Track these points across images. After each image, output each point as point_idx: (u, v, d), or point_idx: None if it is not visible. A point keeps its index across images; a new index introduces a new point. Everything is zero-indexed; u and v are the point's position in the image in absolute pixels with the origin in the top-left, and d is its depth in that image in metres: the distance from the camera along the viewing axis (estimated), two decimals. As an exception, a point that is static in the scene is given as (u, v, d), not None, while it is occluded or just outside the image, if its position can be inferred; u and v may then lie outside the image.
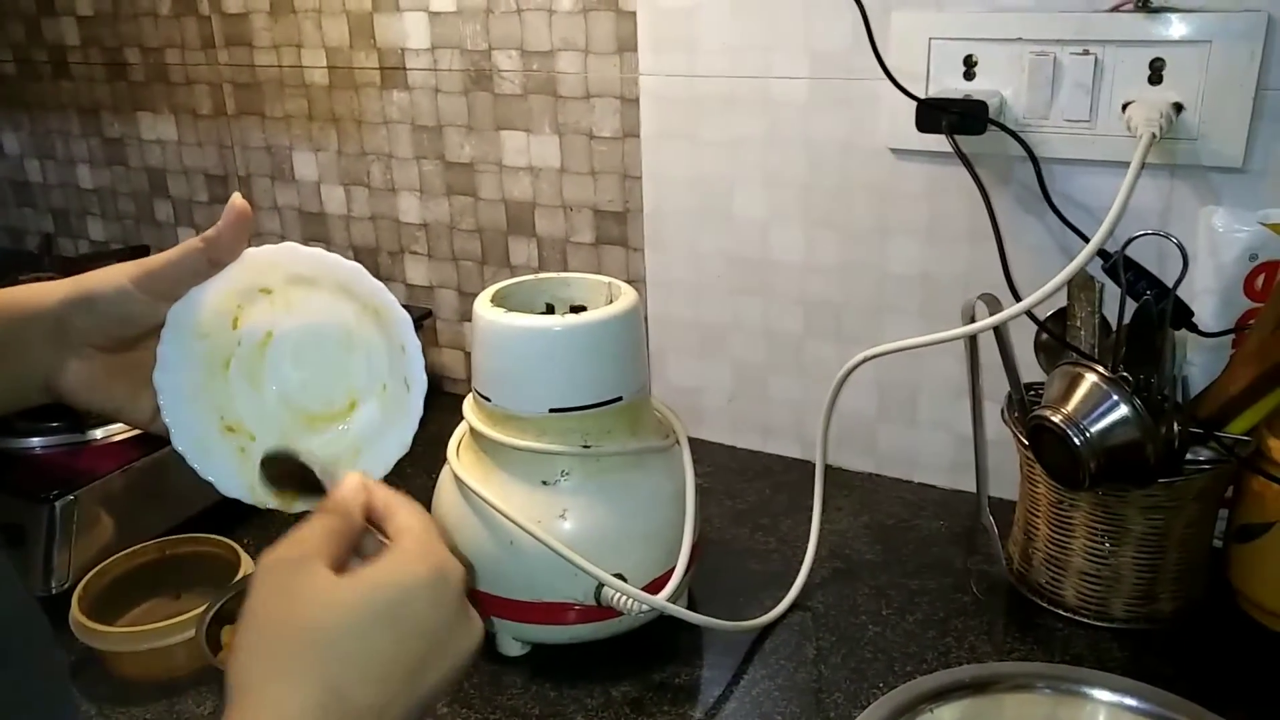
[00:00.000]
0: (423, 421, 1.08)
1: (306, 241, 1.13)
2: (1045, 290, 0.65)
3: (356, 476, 0.47)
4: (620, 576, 0.65)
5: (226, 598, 0.67)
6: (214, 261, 0.50)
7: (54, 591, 0.74)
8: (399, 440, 0.51)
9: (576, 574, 0.64)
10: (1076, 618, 0.70)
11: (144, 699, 0.66)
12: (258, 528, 0.79)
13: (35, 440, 0.80)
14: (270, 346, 0.52)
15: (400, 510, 0.46)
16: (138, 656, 0.68)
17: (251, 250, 0.51)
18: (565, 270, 1.00)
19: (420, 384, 0.51)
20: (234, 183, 1.17)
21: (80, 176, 1.30)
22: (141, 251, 1.20)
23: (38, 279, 1.08)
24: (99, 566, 0.72)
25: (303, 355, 0.52)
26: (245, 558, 0.72)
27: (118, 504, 0.78)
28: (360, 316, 0.52)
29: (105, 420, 0.81)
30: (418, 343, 0.51)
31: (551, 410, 0.66)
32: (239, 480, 0.50)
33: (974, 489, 0.79)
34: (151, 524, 0.78)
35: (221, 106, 1.15)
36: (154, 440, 0.77)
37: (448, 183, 1.03)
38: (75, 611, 0.68)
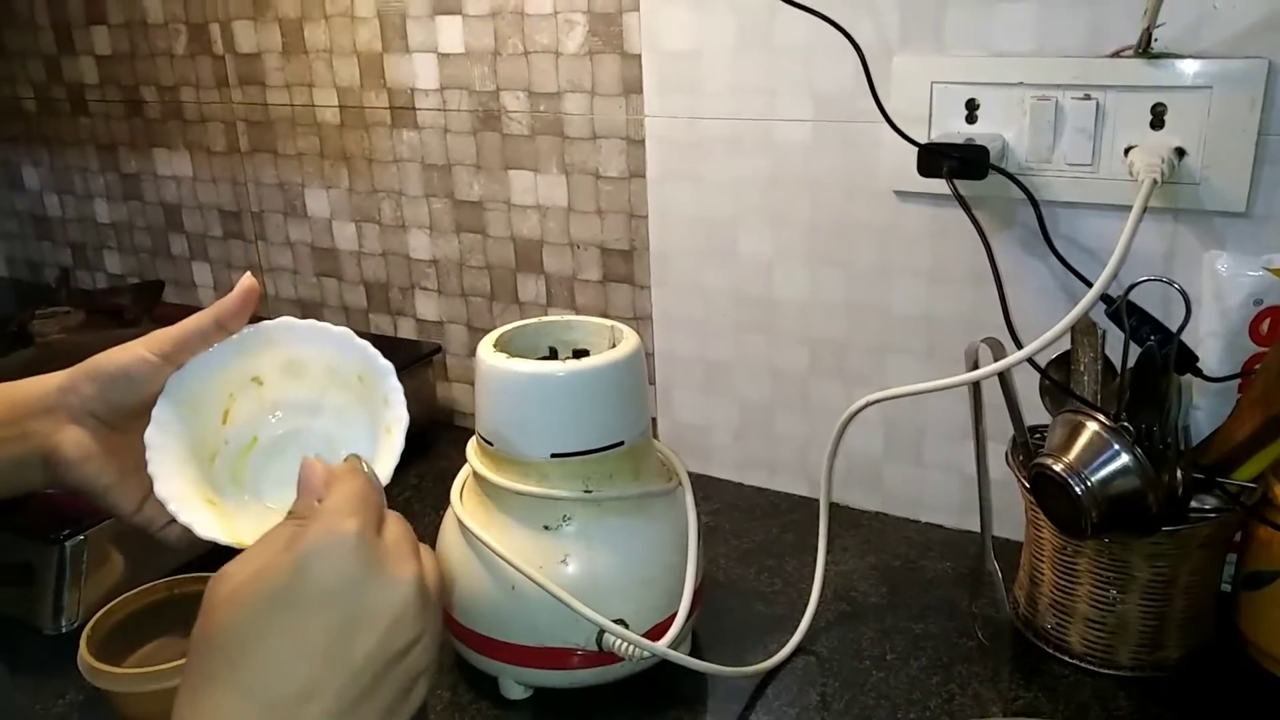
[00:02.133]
0: (432, 457, 1.09)
1: (319, 277, 1.15)
2: (1047, 337, 0.65)
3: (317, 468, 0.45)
4: (622, 622, 0.65)
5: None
6: (221, 326, 0.53)
7: (63, 630, 0.74)
8: (384, 474, 0.51)
9: (578, 619, 0.64)
10: (1083, 665, 0.70)
11: (149, 741, 0.67)
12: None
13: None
14: (255, 450, 0.55)
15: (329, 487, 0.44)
16: (145, 697, 0.68)
17: (249, 328, 0.54)
18: (573, 306, 1.00)
19: (401, 426, 0.51)
20: (247, 219, 1.19)
21: (98, 211, 1.32)
22: (156, 286, 1.21)
23: (54, 315, 1.10)
24: (108, 606, 0.72)
25: (285, 460, 0.54)
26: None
27: (127, 543, 0.78)
28: (344, 402, 0.55)
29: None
30: (399, 389, 0.52)
31: (553, 455, 0.66)
32: (219, 529, 0.50)
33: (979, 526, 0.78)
34: (161, 563, 0.78)
35: (235, 144, 1.16)
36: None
37: (457, 220, 1.04)
38: (84, 652, 0.68)
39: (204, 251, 1.24)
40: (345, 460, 0.47)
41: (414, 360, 1.05)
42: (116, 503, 0.54)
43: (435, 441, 1.05)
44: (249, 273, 0.54)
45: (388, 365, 0.54)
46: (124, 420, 0.53)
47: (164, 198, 1.25)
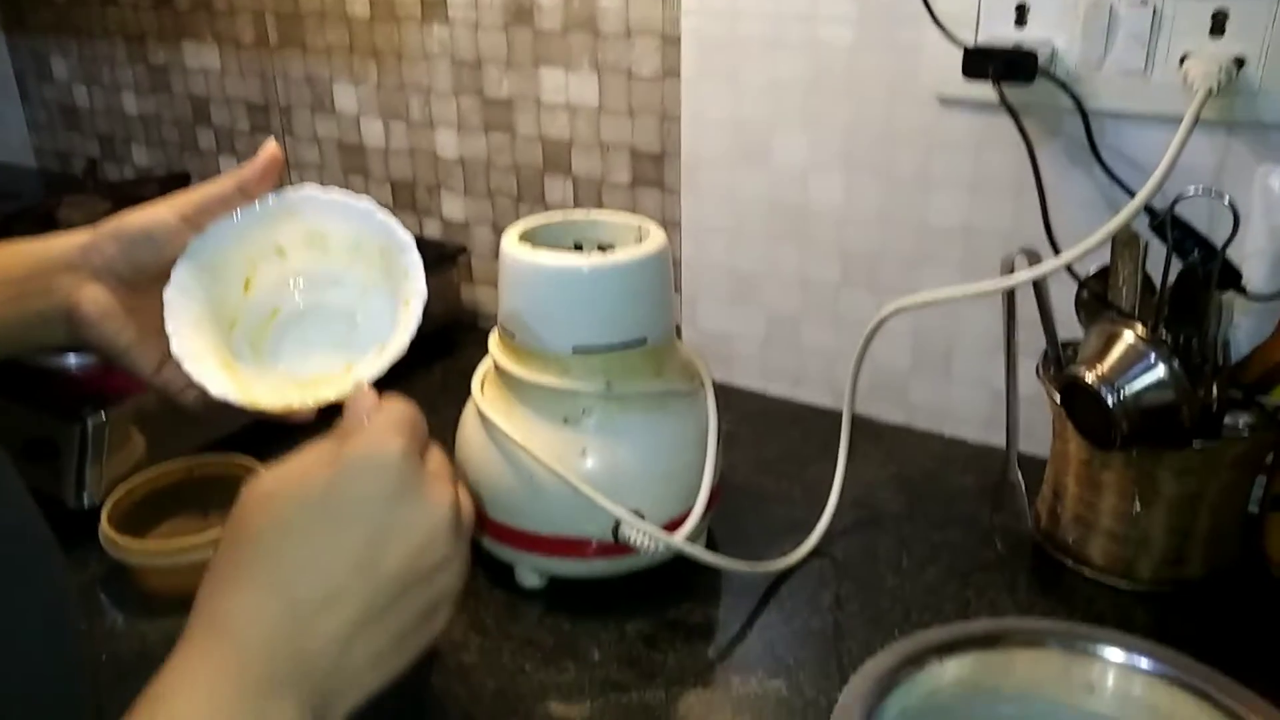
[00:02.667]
0: (456, 356, 1.09)
1: (345, 174, 1.14)
2: (1087, 244, 0.63)
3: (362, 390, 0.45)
4: (639, 514, 0.65)
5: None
6: (244, 192, 0.53)
7: (85, 506, 0.75)
8: (395, 351, 0.50)
9: (595, 510, 0.64)
10: (1102, 578, 0.69)
11: (168, 611, 0.68)
12: (288, 449, 0.79)
13: (70, 357, 0.81)
14: (275, 322, 0.54)
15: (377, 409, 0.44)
16: (163, 571, 0.69)
17: (272, 196, 0.54)
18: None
19: (420, 298, 0.51)
20: (275, 113, 1.17)
21: (126, 103, 1.31)
22: (182, 178, 1.21)
23: (81, 203, 1.09)
24: (128, 483, 0.73)
25: (306, 333, 0.54)
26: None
27: (149, 422, 0.79)
28: (366, 277, 0.54)
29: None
30: (419, 262, 0.52)
31: (575, 349, 0.65)
32: (233, 390, 0.50)
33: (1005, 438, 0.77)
34: (182, 443, 0.79)
35: (264, 36, 1.14)
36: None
37: (485, 119, 1.02)
38: (104, 526, 0.69)
39: (231, 145, 1.23)
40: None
41: (438, 261, 1.04)
42: (135, 363, 0.54)
43: (459, 343, 1.05)
44: (272, 139, 0.54)
45: (409, 239, 0.53)
46: (145, 281, 0.52)
47: (192, 90, 1.24)
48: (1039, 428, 0.76)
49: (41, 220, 1.05)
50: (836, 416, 0.78)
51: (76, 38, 1.32)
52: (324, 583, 0.38)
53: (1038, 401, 0.73)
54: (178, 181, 1.20)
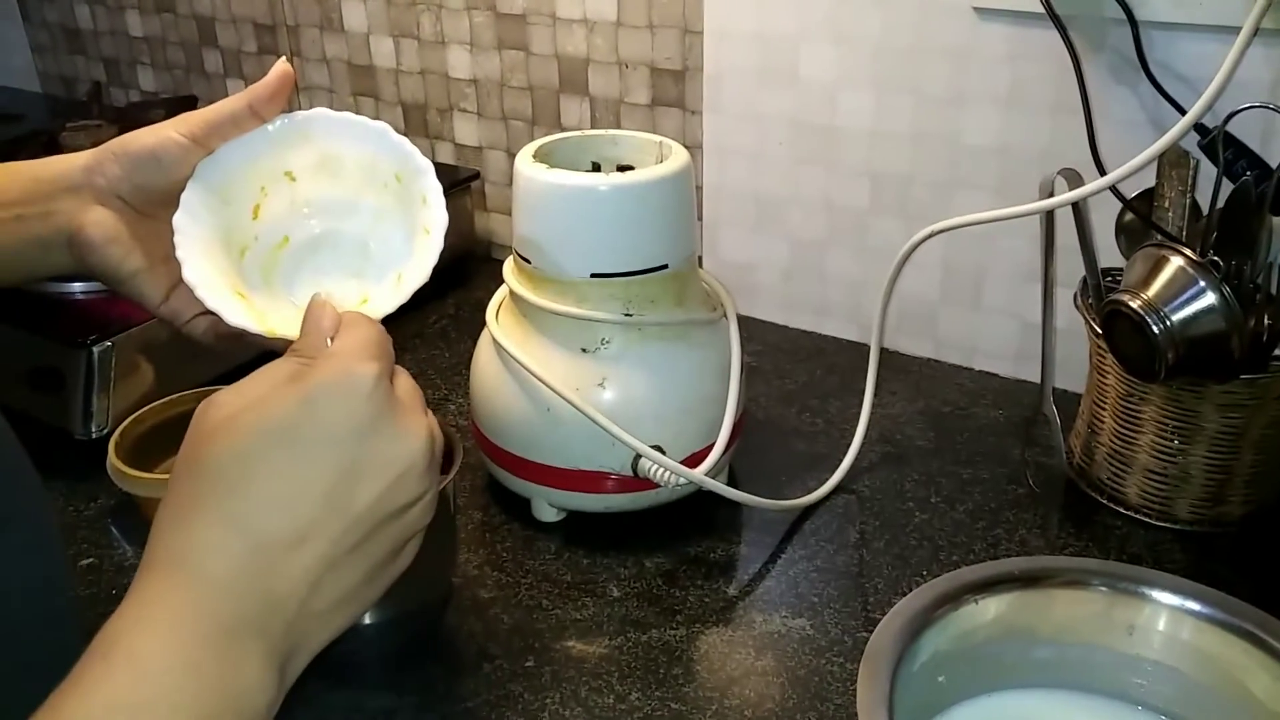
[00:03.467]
0: (470, 287, 1.07)
1: (355, 96, 1.10)
2: (1133, 164, 0.60)
3: (323, 306, 0.42)
4: (659, 448, 0.63)
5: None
6: (255, 111, 0.49)
7: (93, 436, 0.74)
8: (415, 282, 0.48)
9: (614, 444, 0.62)
10: (1138, 516, 0.67)
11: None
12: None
13: (76, 285, 0.79)
14: (286, 250, 0.51)
15: (342, 330, 0.41)
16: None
17: (283, 118, 0.51)
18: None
19: (440, 226, 0.48)
20: (282, 33, 1.13)
21: (130, 24, 1.27)
22: (189, 101, 1.17)
23: (85, 128, 1.06)
24: (136, 414, 0.71)
25: (319, 262, 0.51)
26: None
27: (157, 352, 0.77)
28: (380, 204, 0.51)
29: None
30: (438, 188, 0.49)
31: (593, 275, 0.63)
32: (248, 318, 0.47)
33: (1038, 379, 0.74)
34: (191, 374, 0.77)
35: (269, -50, 1.10)
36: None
37: (499, 36, 0.98)
38: (112, 457, 0.68)
39: (238, 68, 1.19)
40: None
41: (451, 186, 1.01)
42: (142, 290, 0.51)
43: (473, 272, 1.02)
44: (284, 58, 0.50)
45: (426, 163, 0.50)
46: (152, 206, 0.50)
47: (197, 10, 1.20)
48: (1073, 363, 0.73)
49: (45, 146, 1.02)
50: (862, 349, 0.75)
51: (77, -45, 1.28)
52: (292, 520, 0.35)
53: (1073, 334, 0.70)
54: (184, 104, 1.16)
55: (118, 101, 1.32)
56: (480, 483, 0.71)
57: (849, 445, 0.73)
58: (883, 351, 0.74)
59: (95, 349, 0.73)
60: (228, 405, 0.37)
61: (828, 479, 0.70)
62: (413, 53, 1.04)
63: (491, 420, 0.67)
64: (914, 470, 0.72)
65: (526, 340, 0.65)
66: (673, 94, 0.91)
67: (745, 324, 0.69)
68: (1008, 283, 0.81)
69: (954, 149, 0.80)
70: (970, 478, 0.71)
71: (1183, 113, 0.64)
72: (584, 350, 0.64)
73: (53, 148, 1.02)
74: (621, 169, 0.68)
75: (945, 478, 0.72)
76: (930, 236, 0.67)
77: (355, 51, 1.09)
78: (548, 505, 0.67)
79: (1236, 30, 0.61)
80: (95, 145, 0.98)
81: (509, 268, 0.67)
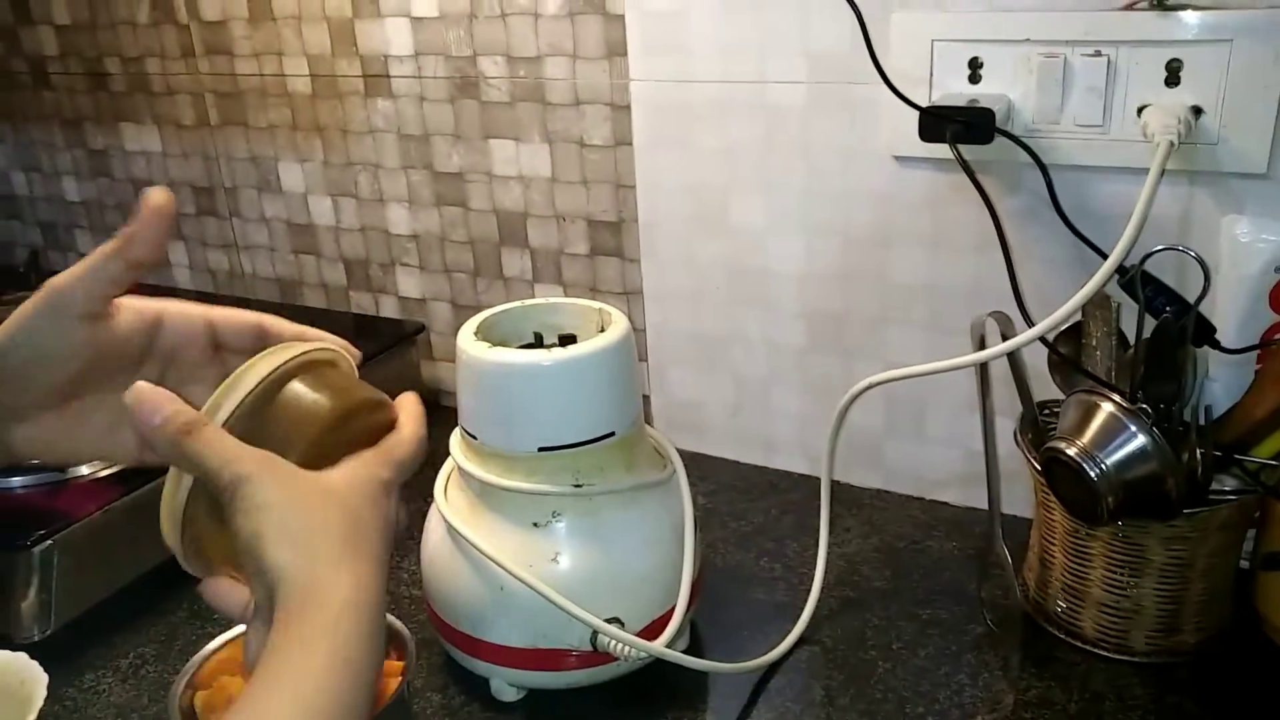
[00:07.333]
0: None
1: (296, 254, 1.11)
2: (1059, 315, 0.62)
3: None
4: (617, 620, 0.62)
5: (195, 669, 0.61)
6: (132, 265, 0.45)
7: (36, 640, 0.71)
8: None
9: (571, 620, 0.61)
10: (1096, 650, 0.67)
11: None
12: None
13: (15, 480, 0.77)
14: None
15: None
16: None
17: None
18: (560, 282, 0.97)
19: None
20: (221, 195, 1.14)
21: (66, 189, 1.27)
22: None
23: (20, 300, 1.06)
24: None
25: None
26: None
27: (99, 544, 0.75)
28: None
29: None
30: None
31: (541, 449, 0.63)
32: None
33: (986, 507, 0.75)
34: (134, 562, 0.75)
35: (205, 117, 1.11)
36: (139, 475, 0.75)
37: (437, 193, 1.00)
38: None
39: (178, 229, 1.20)
40: None
41: (397, 340, 1.01)
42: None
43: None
44: (156, 188, 0.46)
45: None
46: (70, 389, 0.47)
47: (134, 174, 1.21)
48: (1020, 486, 0.74)
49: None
50: (813, 483, 0.76)
51: (10, 122, 1.28)
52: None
53: (1018, 457, 0.72)
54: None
55: (56, 266, 1.31)
56: (438, 661, 0.70)
57: (808, 591, 0.73)
58: (834, 484, 0.75)
59: (36, 550, 0.71)
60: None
61: (789, 630, 0.70)
62: (352, 211, 1.06)
63: (444, 600, 0.66)
64: (874, 615, 0.72)
65: (476, 517, 0.65)
66: (610, 244, 0.93)
67: (696, 460, 0.69)
68: (949, 413, 0.83)
69: (884, 287, 0.82)
70: (930, 618, 0.72)
71: (1100, 254, 0.67)
72: (535, 525, 0.64)
73: (-11, 326, 1.01)
74: (563, 338, 0.69)
75: (905, 620, 0.72)
76: (868, 389, 0.68)
77: (294, 211, 1.10)
78: (507, 685, 0.66)
79: (1143, 171, 0.64)
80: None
81: (456, 443, 0.67)
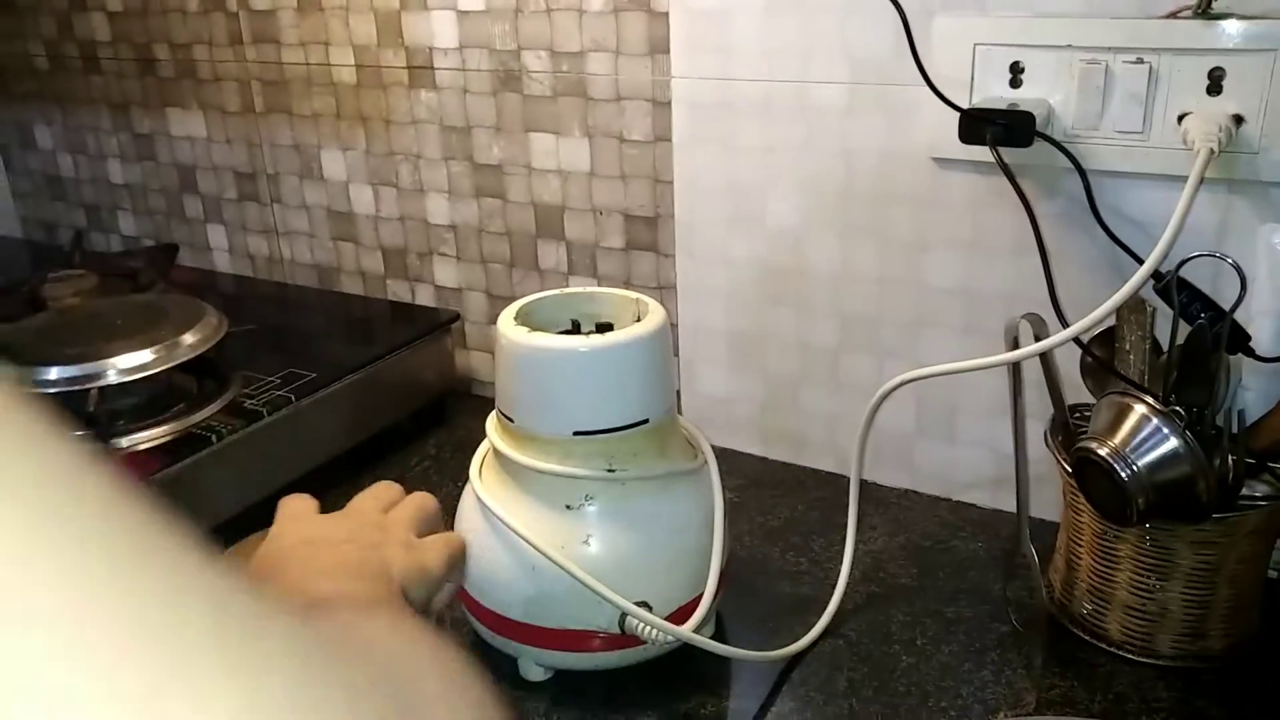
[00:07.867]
0: (450, 426, 1.07)
1: (335, 241, 1.12)
2: (1094, 317, 0.62)
3: None
4: (645, 604, 0.63)
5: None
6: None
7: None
8: None
9: (600, 601, 0.62)
10: (1120, 653, 0.67)
11: None
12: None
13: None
14: None
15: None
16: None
17: None
18: (595, 275, 0.98)
19: None
20: (263, 181, 1.16)
21: (111, 172, 1.30)
22: (171, 249, 1.19)
23: (67, 278, 1.08)
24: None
25: None
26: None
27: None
28: None
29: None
30: None
31: (576, 433, 0.64)
32: None
33: (1014, 509, 0.76)
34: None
35: (250, 104, 1.13)
36: (184, 446, 0.77)
37: (476, 184, 1.01)
38: None
39: (219, 214, 1.22)
40: None
41: (432, 328, 1.03)
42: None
43: (454, 411, 1.03)
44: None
45: None
46: None
47: (178, 159, 1.23)
48: (1048, 488, 0.75)
49: (28, 300, 1.03)
50: (840, 481, 0.76)
51: (60, 107, 1.31)
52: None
53: (1046, 461, 0.72)
54: (166, 252, 1.18)
55: (99, 246, 1.34)
56: (465, 640, 0.71)
57: (834, 585, 0.73)
58: (862, 483, 0.76)
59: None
60: None
61: (814, 622, 0.71)
62: (392, 200, 1.07)
63: (476, 578, 0.67)
64: (899, 611, 0.73)
65: (510, 497, 0.66)
66: (646, 238, 0.94)
67: (725, 456, 0.70)
68: (980, 416, 0.83)
69: (919, 290, 0.82)
70: (954, 616, 0.72)
71: (1136, 259, 0.67)
72: (568, 507, 0.65)
73: (35, 302, 1.03)
74: (600, 326, 0.70)
75: (930, 617, 0.72)
76: (899, 386, 0.69)
77: (335, 198, 1.11)
78: (534, 665, 0.67)
79: (1182, 179, 0.64)
80: (76, 296, 0.99)
81: (493, 426, 0.69)
